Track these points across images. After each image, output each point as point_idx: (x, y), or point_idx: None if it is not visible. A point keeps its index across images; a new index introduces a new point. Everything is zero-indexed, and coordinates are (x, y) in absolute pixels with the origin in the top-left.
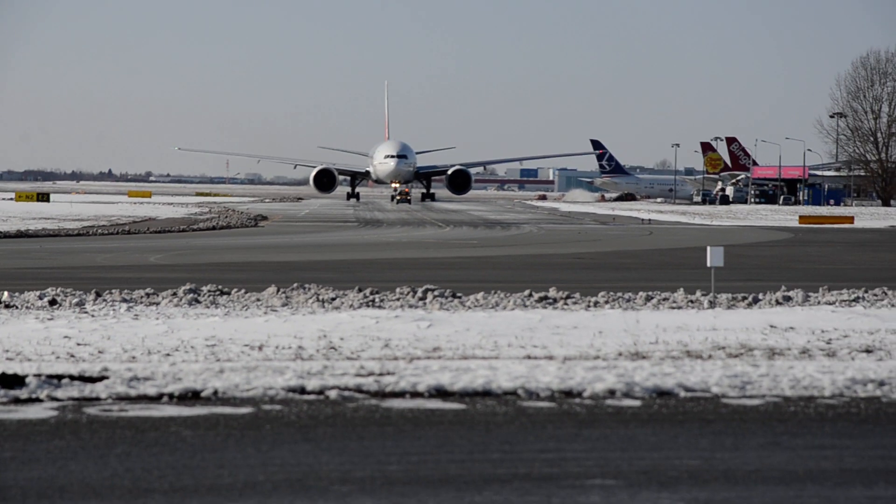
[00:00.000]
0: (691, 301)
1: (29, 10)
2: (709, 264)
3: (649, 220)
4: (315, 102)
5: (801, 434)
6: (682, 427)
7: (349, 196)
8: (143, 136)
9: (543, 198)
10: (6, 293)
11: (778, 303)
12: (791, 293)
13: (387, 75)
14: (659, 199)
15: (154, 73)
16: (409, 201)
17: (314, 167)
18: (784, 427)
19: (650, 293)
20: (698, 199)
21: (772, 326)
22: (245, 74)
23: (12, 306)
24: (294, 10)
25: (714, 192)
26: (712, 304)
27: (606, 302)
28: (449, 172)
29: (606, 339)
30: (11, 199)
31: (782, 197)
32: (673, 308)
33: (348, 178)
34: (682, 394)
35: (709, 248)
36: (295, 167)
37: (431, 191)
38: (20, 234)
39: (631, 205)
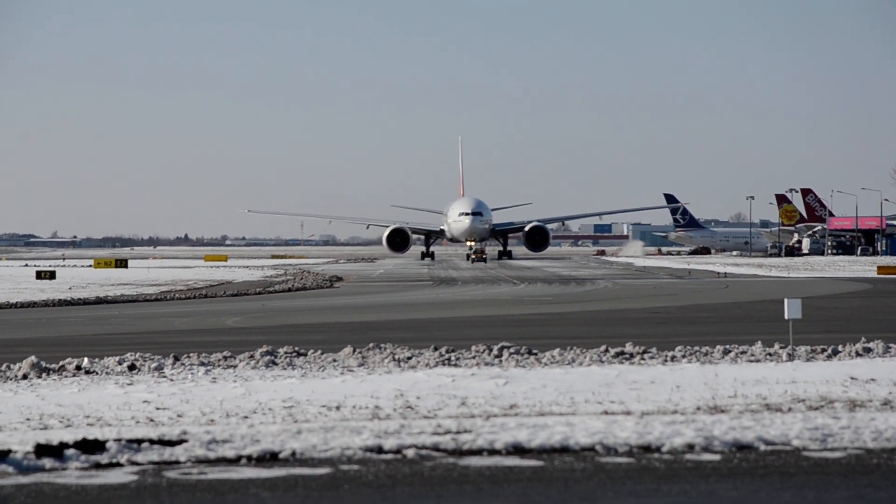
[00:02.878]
0: (770, 354)
1: (97, 79)
2: (787, 316)
3: (725, 273)
4: (389, 159)
5: (885, 487)
6: (763, 481)
7: (423, 255)
8: (218, 201)
9: (602, 252)
10: (86, 359)
11: (858, 354)
12: (871, 344)
13: (461, 131)
14: (734, 253)
15: (228, 137)
16: (484, 260)
17: (387, 227)
18: (868, 480)
19: (728, 347)
20: (774, 250)
21: (852, 378)
22: (318, 135)
23: (92, 372)
24: (366, 70)
25: (791, 244)
26: (791, 357)
27: (684, 356)
28: (526, 229)
29: (684, 393)
30: (90, 265)
31: (860, 248)
32: (751, 361)
33: (422, 237)
34: (763, 447)
35: (786, 301)
36: (368, 227)
37: (508, 248)
38: (99, 301)
39: (706, 258)
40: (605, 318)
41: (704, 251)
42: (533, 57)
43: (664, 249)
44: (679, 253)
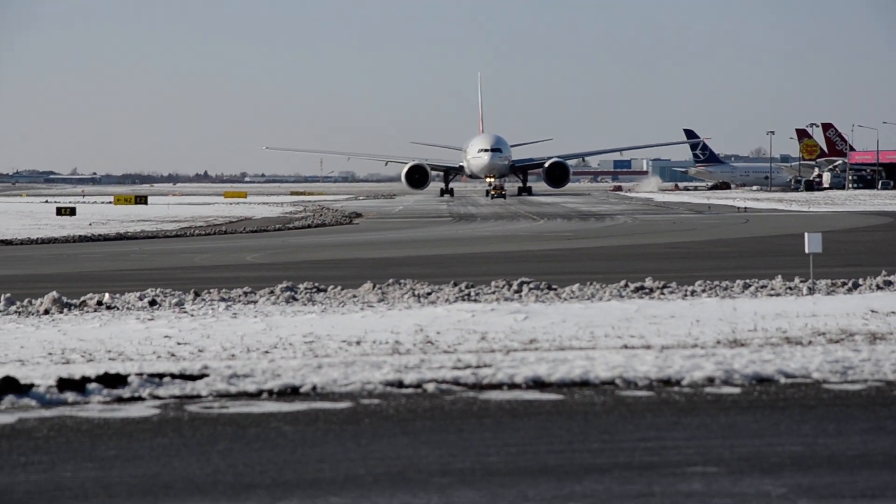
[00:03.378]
0: (790, 288)
1: (117, 16)
2: (807, 251)
3: (745, 208)
4: (407, 96)
5: None
6: (783, 413)
7: (443, 192)
8: (237, 138)
9: (619, 188)
10: (107, 295)
11: (878, 287)
12: (892, 278)
13: (481, 66)
14: (754, 188)
15: (247, 75)
16: (504, 196)
17: (406, 163)
18: (888, 411)
19: (748, 281)
20: (796, 185)
21: (872, 311)
22: (337, 72)
23: (114, 307)
24: (384, 5)
25: (812, 178)
26: (811, 291)
27: (703, 290)
28: (546, 165)
29: (704, 327)
30: (110, 202)
31: (881, 182)
32: (771, 295)
33: (441, 173)
34: (783, 380)
35: (807, 235)
36: (386, 164)
37: (528, 184)
38: (120, 237)
39: (726, 193)
40: (625, 253)
41: (724, 186)
42: None
43: (681, 185)
44: (697, 188)
